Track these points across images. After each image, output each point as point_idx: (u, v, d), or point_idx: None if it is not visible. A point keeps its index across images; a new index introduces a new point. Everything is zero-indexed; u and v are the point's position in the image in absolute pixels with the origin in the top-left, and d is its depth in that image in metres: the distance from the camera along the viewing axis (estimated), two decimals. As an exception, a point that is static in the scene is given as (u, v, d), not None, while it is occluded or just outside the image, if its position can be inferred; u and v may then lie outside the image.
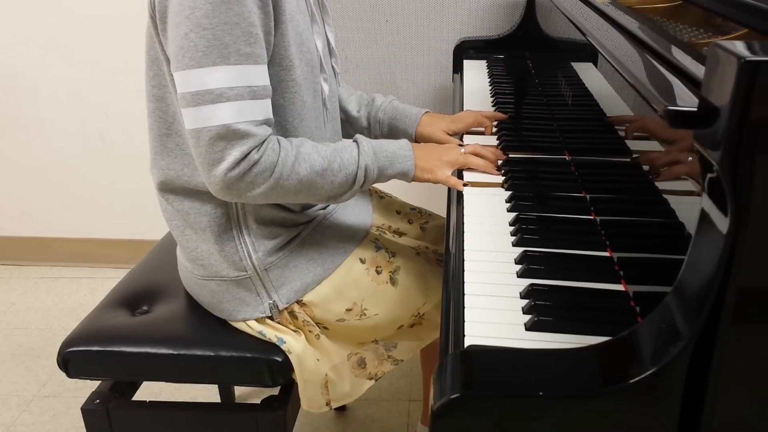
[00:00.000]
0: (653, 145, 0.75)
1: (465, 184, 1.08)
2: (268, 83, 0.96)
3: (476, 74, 1.69)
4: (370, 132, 1.33)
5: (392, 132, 1.32)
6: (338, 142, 1.06)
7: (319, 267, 1.10)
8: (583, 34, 1.01)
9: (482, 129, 1.32)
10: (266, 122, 0.96)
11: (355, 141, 1.06)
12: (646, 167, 0.77)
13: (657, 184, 0.73)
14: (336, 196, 1.04)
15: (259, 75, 0.93)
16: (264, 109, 0.95)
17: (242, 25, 0.90)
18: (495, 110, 1.41)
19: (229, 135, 0.91)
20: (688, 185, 0.62)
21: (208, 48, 0.89)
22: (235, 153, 0.92)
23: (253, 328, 1.10)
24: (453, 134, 1.28)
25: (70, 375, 1.14)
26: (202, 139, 0.92)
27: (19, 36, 2.15)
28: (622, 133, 0.87)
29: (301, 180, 0.98)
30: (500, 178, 1.10)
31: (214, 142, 0.92)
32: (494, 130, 1.32)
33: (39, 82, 2.21)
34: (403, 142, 1.10)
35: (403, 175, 1.08)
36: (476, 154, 1.13)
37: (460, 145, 1.17)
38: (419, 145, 1.12)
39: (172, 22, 0.91)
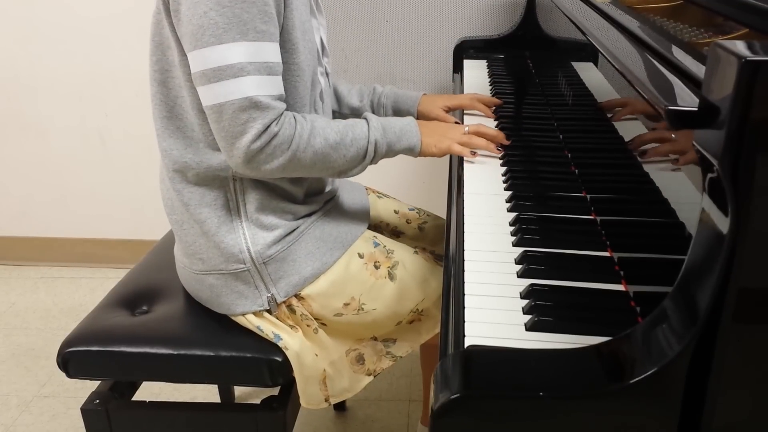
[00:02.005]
0: (653, 144, 0.75)
1: (473, 152, 1.15)
2: (280, 60, 1.00)
3: (476, 74, 1.69)
4: None
5: (396, 115, 1.36)
6: (349, 119, 1.10)
7: (317, 261, 1.10)
8: (584, 33, 1.01)
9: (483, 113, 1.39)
10: (280, 97, 1.00)
11: (365, 118, 1.11)
12: (645, 166, 0.77)
13: (657, 183, 0.73)
14: (347, 170, 1.08)
15: (273, 52, 0.97)
16: (278, 84, 0.99)
17: (258, 4, 0.94)
18: (495, 110, 1.41)
19: (251, 107, 0.95)
20: (689, 185, 0.62)
21: (228, 25, 0.93)
22: (257, 125, 0.96)
23: (251, 322, 1.10)
24: (449, 111, 1.36)
25: (69, 375, 1.14)
26: (225, 113, 0.96)
27: (19, 36, 2.15)
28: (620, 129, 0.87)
29: (316, 152, 1.02)
30: (501, 153, 1.17)
31: (237, 115, 0.95)
32: (494, 128, 1.32)
33: (39, 82, 2.21)
34: (410, 119, 1.14)
35: (410, 150, 1.12)
36: (478, 134, 1.18)
37: (458, 124, 1.22)
38: (425, 122, 1.17)
39: (188, 2, 0.93)
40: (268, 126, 0.97)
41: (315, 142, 1.02)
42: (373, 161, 1.09)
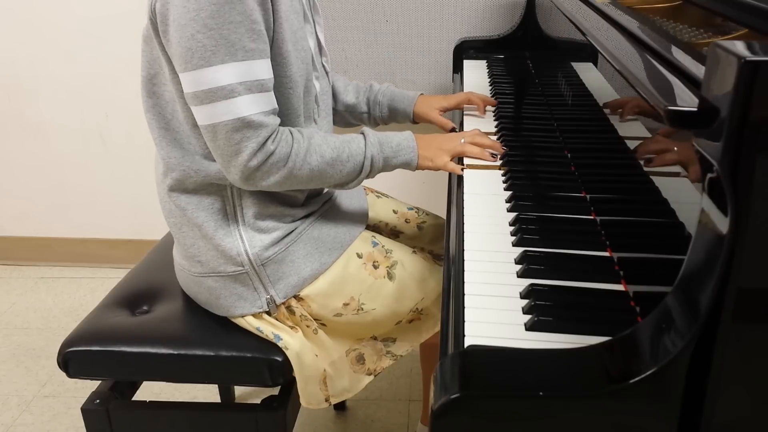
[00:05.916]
0: (653, 144, 0.75)
1: (463, 168, 1.14)
2: (272, 76, 1.00)
3: (476, 74, 1.69)
4: (370, 115, 1.37)
5: (391, 113, 1.36)
6: (346, 134, 1.10)
7: (315, 262, 1.11)
8: (583, 34, 1.01)
9: (482, 116, 1.39)
10: (273, 112, 1.00)
11: (362, 133, 1.11)
12: (645, 166, 0.77)
13: (657, 183, 0.73)
14: (344, 183, 1.09)
15: (264, 68, 0.97)
16: (271, 100, 1.00)
17: (246, 23, 0.93)
18: (495, 110, 1.41)
19: (244, 127, 0.96)
20: (688, 184, 0.62)
21: (216, 47, 0.92)
22: (251, 144, 0.97)
23: (251, 324, 1.10)
24: (445, 111, 1.37)
25: (70, 375, 1.14)
26: (220, 133, 0.96)
27: (19, 36, 2.15)
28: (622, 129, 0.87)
29: (313, 169, 1.03)
30: (497, 162, 1.16)
31: (230, 135, 0.96)
32: (494, 130, 1.32)
33: (39, 82, 2.21)
34: (407, 134, 1.14)
35: (407, 165, 1.13)
36: (474, 143, 1.18)
37: (455, 131, 1.22)
38: (422, 135, 1.16)
39: (176, 24, 0.93)
40: (264, 144, 0.98)
41: (311, 159, 1.02)
42: (370, 175, 1.10)
